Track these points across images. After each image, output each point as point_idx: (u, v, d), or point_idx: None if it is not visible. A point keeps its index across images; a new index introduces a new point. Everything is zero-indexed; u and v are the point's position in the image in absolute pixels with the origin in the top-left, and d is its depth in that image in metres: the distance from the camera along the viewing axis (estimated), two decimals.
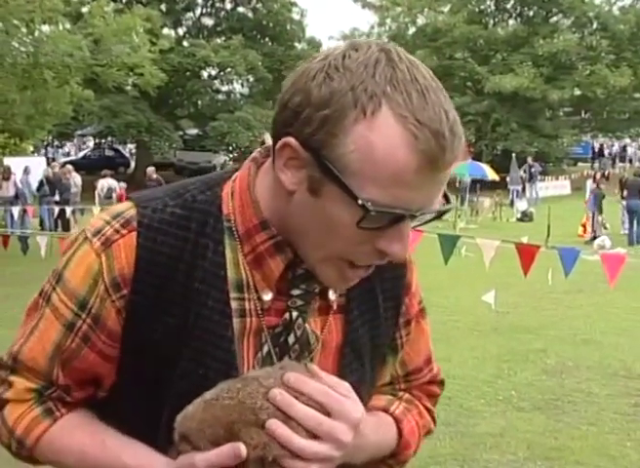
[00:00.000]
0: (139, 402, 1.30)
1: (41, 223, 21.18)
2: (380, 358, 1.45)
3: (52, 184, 21.60)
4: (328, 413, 1.17)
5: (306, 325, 1.32)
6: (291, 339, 1.31)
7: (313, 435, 1.16)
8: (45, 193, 21.56)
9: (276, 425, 1.14)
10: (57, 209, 20.41)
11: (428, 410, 1.57)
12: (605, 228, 20.70)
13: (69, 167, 24.14)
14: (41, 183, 21.67)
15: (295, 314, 1.31)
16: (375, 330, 1.41)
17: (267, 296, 1.29)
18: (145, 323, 1.27)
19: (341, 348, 1.36)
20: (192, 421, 1.17)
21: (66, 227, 20.58)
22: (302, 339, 1.32)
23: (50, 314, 1.33)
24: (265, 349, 1.30)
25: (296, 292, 1.30)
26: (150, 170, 23.98)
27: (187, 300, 1.27)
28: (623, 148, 57.80)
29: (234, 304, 1.29)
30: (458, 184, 25.87)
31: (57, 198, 21.59)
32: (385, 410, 1.46)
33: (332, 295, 1.34)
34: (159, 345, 1.27)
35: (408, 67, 1.12)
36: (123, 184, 24.96)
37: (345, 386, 1.23)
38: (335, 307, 1.36)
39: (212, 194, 1.32)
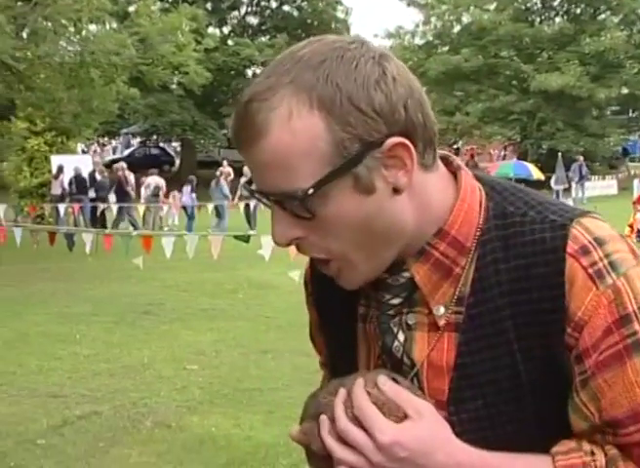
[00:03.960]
0: None
1: (76, 222, 21.44)
2: (528, 394, 1.19)
3: (80, 183, 21.79)
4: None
5: (398, 338, 1.27)
6: (377, 350, 1.31)
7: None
8: (73, 192, 21.76)
9: (322, 420, 1.19)
10: (102, 206, 20.61)
11: None
12: None
13: (122, 164, 24.28)
14: (70, 182, 21.84)
15: (372, 327, 1.32)
16: (500, 359, 1.20)
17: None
18: (322, 315, 1.46)
19: (451, 371, 1.22)
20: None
21: (106, 225, 20.77)
22: (386, 349, 1.29)
23: None
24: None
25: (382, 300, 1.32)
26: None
27: (331, 299, 1.39)
28: None
29: (361, 310, 1.34)
30: None
31: (91, 195, 21.82)
32: (553, 456, 1.18)
33: (438, 311, 1.23)
34: (328, 337, 1.46)
35: None
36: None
37: (414, 406, 1.16)
38: (441, 324, 1.23)
39: None
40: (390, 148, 1.12)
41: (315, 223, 1.15)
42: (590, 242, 1.16)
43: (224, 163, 31.01)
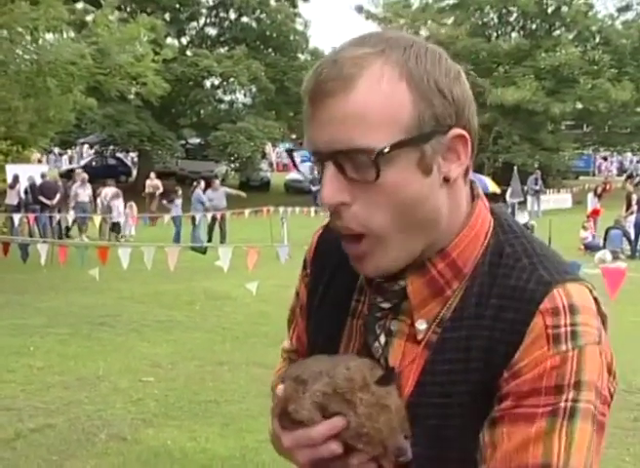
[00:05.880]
0: None
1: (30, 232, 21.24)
2: (471, 425, 1.22)
3: (34, 192, 21.63)
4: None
5: (379, 340, 1.31)
6: (355, 348, 1.36)
7: None
8: (28, 201, 21.58)
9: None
10: (57, 216, 20.43)
11: None
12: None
13: (84, 175, 24.23)
14: (25, 192, 21.66)
15: (360, 324, 1.37)
16: (456, 386, 1.22)
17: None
18: (311, 298, 1.48)
19: (416, 386, 1.25)
20: None
21: (61, 235, 20.64)
22: (366, 348, 1.33)
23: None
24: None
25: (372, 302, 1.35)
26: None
27: (327, 288, 1.44)
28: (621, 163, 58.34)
29: (353, 304, 1.39)
30: None
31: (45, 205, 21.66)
32: None
33: (420, 326, 1.27)
34: (312, 322, 1.48)
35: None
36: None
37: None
38: (419, 338, 1.27)
39: None
40: (453, 138, 1.21)
41: (369, 190, 1.18)
42: (564, 306, 1.17)
43: (152, 175, 30.41)
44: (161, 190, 27.90)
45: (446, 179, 1.22)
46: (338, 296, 1.41)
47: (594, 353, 1.17)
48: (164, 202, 24.16)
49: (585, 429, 1.14)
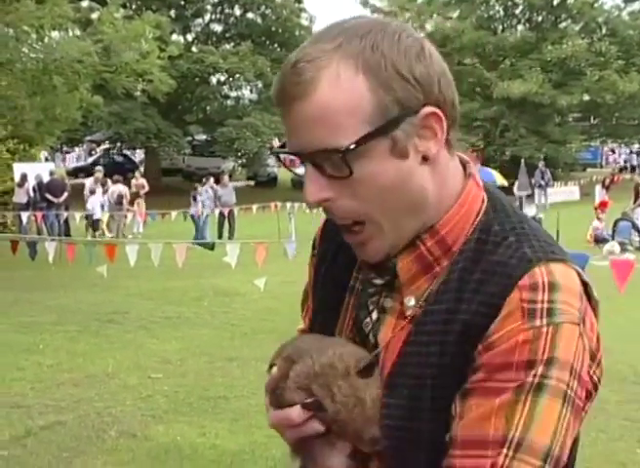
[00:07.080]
0: None
1: (39, 230, 21.28)
2: (442, 395, 1.21)
3: (41, 190, 21.67)
4: None
5: (371, 316, 1.34)
6: (349, 325, 1.39)
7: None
8: (36, 200, 21.62)
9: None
10: (65, 214, 20.47)
11: None
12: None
13: (99, 175, 24.31)
14: (33, 190, 21.70)
15: (352, 300, 1.40)
16: (432, 357, 1.22)
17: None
18: (316, 278, 1.52)
19: (398, 357, 1.27)
20: None
21: (68, 233, 20.71)
22: (357, 326, 1.36)
23: None
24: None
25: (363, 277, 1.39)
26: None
27: (329, 267, 1.47)
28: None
29: (352, 282, 1.42)
30: None
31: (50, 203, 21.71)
32: None
33: (409, 302, 1.28)
34: (315, 300, 1.51)
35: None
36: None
37: None
38: (408, 314, 1.28)
39: None
40: (425, 117, 1.21)
41: (349, 183, 1.21)
42: (543, 283, 1.18)
43: (137, 174, 29.99)
44: (147, 189, 27.58)
45: (425, 158, 1.23)
46: (339, 275, 1.43)
47: (572, 332, 1.16)
48: (191, 196, 23.91)
49: (553, 407, 1.13)
